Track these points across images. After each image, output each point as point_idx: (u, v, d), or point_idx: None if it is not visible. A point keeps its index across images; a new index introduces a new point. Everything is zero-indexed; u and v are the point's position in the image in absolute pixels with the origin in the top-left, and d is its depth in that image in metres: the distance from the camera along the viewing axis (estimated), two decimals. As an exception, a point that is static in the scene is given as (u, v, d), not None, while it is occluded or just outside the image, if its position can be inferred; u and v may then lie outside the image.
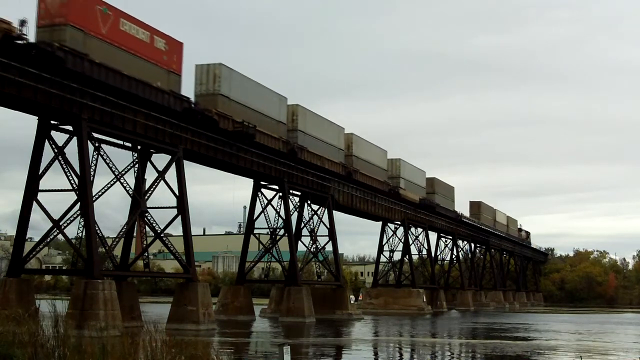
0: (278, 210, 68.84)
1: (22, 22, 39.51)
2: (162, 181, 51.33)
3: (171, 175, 51.76)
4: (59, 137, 45.51)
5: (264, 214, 68.45)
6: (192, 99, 53.94)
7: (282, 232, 69.25)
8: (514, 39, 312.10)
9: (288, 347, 19.40)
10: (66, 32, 41.71)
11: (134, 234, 54.55)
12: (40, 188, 45.38)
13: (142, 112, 47.84)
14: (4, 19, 38.45)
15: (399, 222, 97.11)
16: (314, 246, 74.67)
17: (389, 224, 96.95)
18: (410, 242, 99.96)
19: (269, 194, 68.98)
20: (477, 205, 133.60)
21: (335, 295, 74.79)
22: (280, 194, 67.80)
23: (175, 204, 51.99)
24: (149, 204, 51.13)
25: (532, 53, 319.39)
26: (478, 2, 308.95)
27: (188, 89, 53.92)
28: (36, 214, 56.00)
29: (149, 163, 52.05)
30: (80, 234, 45.84)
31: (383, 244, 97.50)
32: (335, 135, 75.61)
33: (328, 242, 76.53)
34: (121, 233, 50.36)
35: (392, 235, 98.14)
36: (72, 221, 45.40)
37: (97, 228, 45.32)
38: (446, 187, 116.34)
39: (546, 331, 60.03)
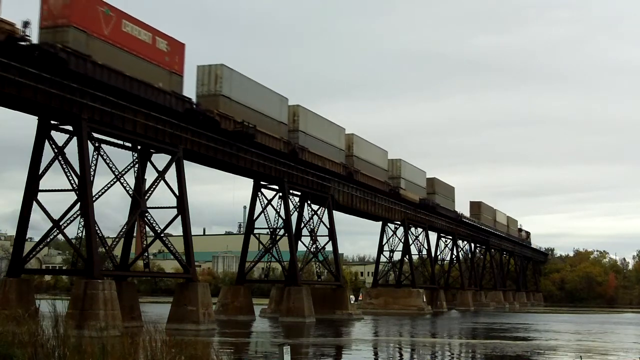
0: (278, 210, 68.89)
1: (26, 24, 39.64)
2: (162, 181, 51.34)
3: (171, 175, 51.85)
4: (59, 137, 45.61)
5: (264, 214, 68.50)
6: (194, 99, 54.06)
7: (282, 232, 69.26)
8: (514, 39, 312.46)
9: (288, 347, 19.40)
10: (69, 33, 41.86)
11: (134, 234, 54.56)
12: (40, 188, 45.39)
13: (142, 112, 47.87)
14: (7, 20, 38.54)
15: (399, 222, 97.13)
16: (314, 246, 74.69)
17: (389, 224, 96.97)
18: (410, 242, 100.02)
19: (269, 194, 69.13)
20: (477, 205, 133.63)
21: (335, 295, 74.81)
22: (280, 194, 67.82)
23: (175, 204, 52.00)
24: (149, 204, 51.16)
25: (532, 53, 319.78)
26: (478, 2, 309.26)
27: (189, 90, 54.09)
28: (36, 214, 56.07)
29: (149, 163, 52.06)
30: (80, 234, 45.84)
31: (383, 244, 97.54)
32: (336, 136, 75.70)
33: (328, 242, 76.58)
34: (121, 233, 50.37)
35: (392, 235, 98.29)
36: (72, 221, 45.42)
37: (97, 228, 45.33)
38: (446, 188, 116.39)
39: (546, 331, 60.03)
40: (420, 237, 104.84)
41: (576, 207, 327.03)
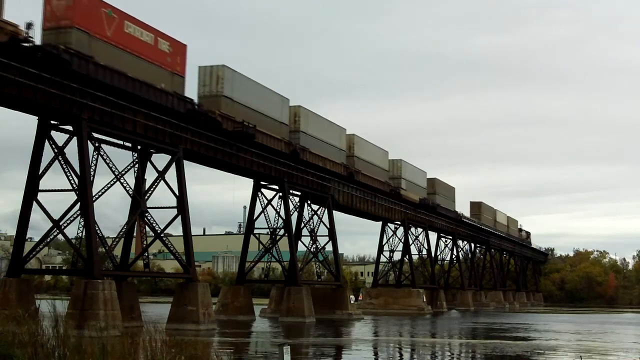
0: (278, 210, 68.89)
1: (29, 25, 39.76)
2: (162, 181, 51.35)
3: (171, 175, 51.86)
4: (59, 137, 45.62)
5: (264, 214, 68.50)
6: (195, 100, 54.18)
7: (282, 232, 69.27)
8: (514, 39, 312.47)
9: (288, 347, 19.39)
10: (72, 34, 42.01)
11: (134, 234, 54.56)
12: (40, 188, 45.40)
13: (142, 112, 47.89)
14: (10, 21, 38.66)
15: (399, 222, 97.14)
16: (314, 246, 74.70)
17: (389, 224, 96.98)
18: (410, 242, 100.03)
19: (269, 194, 69.14)
20: (477, 205, 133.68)
21: (335, 295, 74.82)
22: (280, 194, 67.83)
23: (175, 204, 52.01)
24: (149, 204, 51.17)
25: (532, 53, 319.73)
26: (478, 2, 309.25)
27: (191, 90, 54.20)
28: (36, 214, 56.02)
29: (149, 163, 52.08)
30: (80, 234, 45.84)
31: (383, 244, 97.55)
32: (337, 136, 75.85)
33: (328, 242, 76.59)
34: (121, 233, 50.37)
35: (392, 235, 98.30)
36: (72, 221, 45.42)
37: (97, 228, 45.33)
38: (447, 188, 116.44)
39: (546, 331, 60.04)
40: (420, 237, 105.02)
41: (576, 207, 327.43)
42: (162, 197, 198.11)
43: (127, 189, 49.14)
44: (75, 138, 44.54)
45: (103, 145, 47.66)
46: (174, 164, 51.50)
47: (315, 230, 74.24)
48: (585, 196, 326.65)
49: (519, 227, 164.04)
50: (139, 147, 51.12)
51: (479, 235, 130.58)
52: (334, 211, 76.45)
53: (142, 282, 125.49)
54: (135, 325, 44.72)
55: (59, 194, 45.93)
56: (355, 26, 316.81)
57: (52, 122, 45.07)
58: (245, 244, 69.50)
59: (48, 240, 48.43)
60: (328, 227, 75.43)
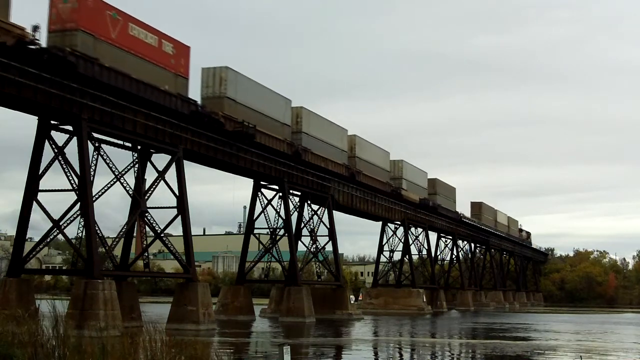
0: (278, 210, 68.90)
1: (35, 28, 40.04)
2: (162, 181, 51.36)
3: (171, 175, 51.87)
4: (59, 137, 45.63)
5: (264, 214, 68.52)
6: (198, 101, 54.39)
7: (282, 232, 69.27)
8: (514, 39, 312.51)
9: (288, 347, 19.41)
10: (77, 37, 42.29)
11: (134, 234, 54.56)
12: (40, 188, 45.41)
13: (142, 112, 47.93)
14: (17, 24, 38.85)
15: (399, 222, 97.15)
16: (314, 246, 74.70)
17: (389, 224, 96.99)
18: (410, 242, 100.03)
19: (269, 194, 69.16)
20: (478, 205, 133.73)
21: (335, 295, 74.82)
22: (280, 194, 67.84)
23: (175, 204, 52.01)
24: (149, 204, 51.17)
25: (532, 53, 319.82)
26: (478, 2, 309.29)
27: (193, 92, 54.37)
28: (36, 214, 56.06)
29: (149, 163, 52.10)
30: (80, 234, 45.84)
31: (383, 244, 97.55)
32: (338, 137, 76.05)
33: (328, 242, 76.60)
34: (121, 233, 50.37)
35: (392, 235, 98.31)
36: (72, 221, 45.42)
37: (97, 228, 45.33)
38: (448, 188, 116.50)
39: (546, 331, 60.04)
40: (420, 237, 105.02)
41: (576, 207, 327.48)
42: (162, 197, 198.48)
43: (127, 189, 49.14)
44: (75, 138, 44.56)
45: (103, 145, 47.71)
46: (174, 164, 51.51)
47: (315, 230, 74.27)
48: (585, 196, 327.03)
49: (519, 227, 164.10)
50: (139, 147, 51.14)
51: (479, 235, 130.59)
52: (334, 211, 76.47)
53: (142, 282, 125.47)
54: (135, 325, 44.62)
55: (59, 194, 45.99)
56: (355, 26, 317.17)
57: (52, 122, 45.10)
58: (245, 244, 69.50)
59: (48, 240, 48.43)
60: (328, 227, 75.44)
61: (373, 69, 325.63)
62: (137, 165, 51.05)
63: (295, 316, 64.52)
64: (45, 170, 45.43)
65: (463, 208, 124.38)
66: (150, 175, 52.41)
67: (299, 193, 73.53)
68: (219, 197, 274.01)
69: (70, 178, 44.83)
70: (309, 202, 74.75)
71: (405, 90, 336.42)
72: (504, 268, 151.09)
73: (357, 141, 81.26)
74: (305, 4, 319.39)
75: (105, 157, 47.16)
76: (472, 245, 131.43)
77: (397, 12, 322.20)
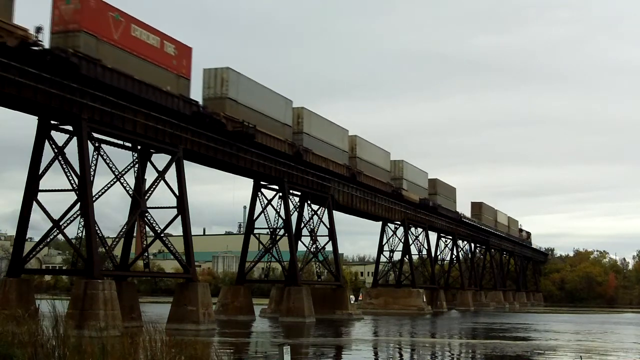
0: (278, 210, 68.91)
1: (38, 29, 40.13)
2: (162, 181, 51.36)
3: (171, 175, 51.87)
4: (59, 137, 45.62)
5: (264, 214, 68.52)
6: (200, 101, 54.52)
7: (282, 232, 69.28)
8: (514, 39, 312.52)
9: (288, 347, 19.40)
10: (80, 38, 42.39)
11: (134, 234, 54.56)
12: (40, 188, 45.40)
13: (142, 112, 47.95)
14: (21, 26, 38.97)
15: (399, 222, 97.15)
16: (314, 246, 74.71)
17: (389, 224, 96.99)
18: (410, 242, 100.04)
19: (269, 194, 69.17)
20: (478, 206, 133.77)
21: (335, 295, 74.83)
22: (280, 194, 67.85)
23: (175, 204, 52.02)
24: (149, 204, 51.17)
25: (532, 53, 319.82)
26: (478, 2, 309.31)
27: (194, 92, 54.48)
28: (36, 214, 56.05)
29: (149, 163, 52.11)
30: (80, 234, 45.83)
31: (383, 244, 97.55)
32: (339, 138, 76.21)
33: (328, 242, 76.60)
34: (121, 233, 50.37)
35: (392, 235, 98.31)
36: (72, 221, 45.41)
37: (97, 228, 45.33)
38: (448, 188, 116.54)
39: (546, 331, 60.05)
40: (420, 237, 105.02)
41: (576, 207, 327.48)
42: (162, 197, 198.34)
43: (127, 189, 49.14)
44: (75, 138, 44.56)
45: (103, 145, 47.71)
46: (174, 164, 51.52)
47: (315, 230, 74.27)
48: (585, 196, 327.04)
49: (519, 227, 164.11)
50: (139, 147, 51.15)
51: (479, 235, 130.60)
52: (334, 211, 76.49)
53: (142, 282, 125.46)
54: (135, 325, 44.63)
55: (59, 194, 45.98)
56: (355, 26, 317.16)
57: (52, 122, 45.10)
58: (245, 244, 69.50)
59: (48, 240, 48.42)
60: (328, 227, 75.45)
61: (373, 69, 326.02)
62: (137, 165, 51.05)
63: (295, 316, 64.53)
64: (45, 170, 45.43)
65: (463, 208, 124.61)
66: (150, 175, 52.51)
67: (299, 193, 73.54)
68: (219, 197, 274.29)
69: (70, 178, 44.83)
70: (309, 202, 74.77)
71: (405, 90, 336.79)
72: (504, 268, 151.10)
73: (358, 142, 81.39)
74: (305, 4, 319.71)
75: (105, 157, 47.18)
76: (472, 245, 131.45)
77: (397, 12, 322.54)
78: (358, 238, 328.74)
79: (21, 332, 17.46)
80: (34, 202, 45.25)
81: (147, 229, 52.93)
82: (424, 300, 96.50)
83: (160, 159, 52.84)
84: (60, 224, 45.15)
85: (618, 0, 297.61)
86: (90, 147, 45.20)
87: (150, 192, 51.08)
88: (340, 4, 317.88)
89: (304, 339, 47.32)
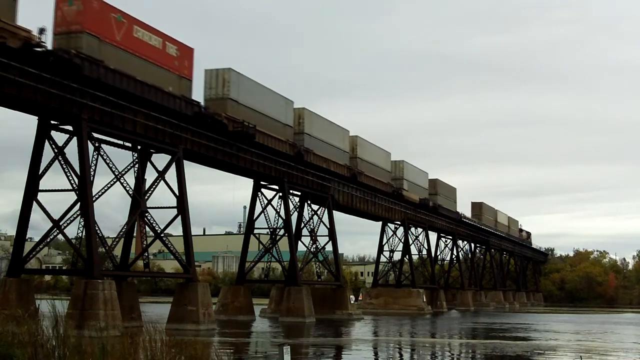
0: (278, 210, 68.91)
1: (41, 30, 40.28)
2: (162, 181, 51.36)
3: (171, 175, 51.87)
4: (59, 137, 45.62)
5: (264, 214, 68.53)
6: (201, 102, 54.63)
7: (282, 232, 69.28)
8: (514, 39, 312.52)
9: (288, 347, 19.39)
10: (82, 39, 42.48)
11: (134, 234, 54.56)
12: (40, 188, 45.40)
13: (142, 112, 47.97)
14: (24, 27, 39.07)
15: (399, 222, 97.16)
16: (314, 246, 74.71)
17: (389, 224, 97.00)
18: (410, 242, 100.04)
19: (269, 194, 69.17)
20: (478, 206, 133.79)
21: (335, 295, 74.83)
22: (280, 194, 67.85)
23: (175, 204, 52.02)
24: (149, 204, 51.17)
25: (532, 53, 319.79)
26: (478, 2, 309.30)
27: (196, 93, 54.53)
28: (36, 214, 56.00)
29: (149, 163, 52.12)
30: (80, 234, 45.83)
31: (383, 244, 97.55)
32: (340, 138, 76.31)
33: (328, 242, 76.60)
34: (121, 233, 50.37)
35: (392, 235, 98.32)
36: (72, 221, 45.41)
37: (97, 228, 45.33)
38: (448, 189, 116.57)
39: (546, 331, 60.05)
40: (420, 237, 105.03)
41: (576, 207, 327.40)
42: (162, 197, 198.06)
43: (127, 189, 49.14)
44: (75, 138, 44.56)
45: (103, 145, 47.72)
46: (174, 164, 51.53)
47: (315, 230, 74.28)
48: (585, 196, 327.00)
49: (519, 227, 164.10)
50: (139, 147, 51.16)
51: (479, 235, 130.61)
52: (334, 211, 76.50)
53: (142, 282, 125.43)
54: (135, 325, 44.63)
55: (59, 194, 45.97)
56: (355, 26, 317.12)
57: (52, 122, 45.11)
58: (245, 244, 69.50)
59: (48, 240, 48.43)
60: (328, 227, 75.46)
61: (373, 69, 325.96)
62: (137, 165, 51.06)
63: (295, 316, 64.53)
64: (45, 170, 45.43)
65: (464, 208, 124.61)
66: (150, 175, 52.52)
67: (299, 193, 73.55)
68: (219, 197, 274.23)
69: (70, 178, 44.83)
70: (309, 202, 74.77)
71: (405, 90, 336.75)
72: (504, 268, 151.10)
73: (359, 142, 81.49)
74: (305, 4, 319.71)
75: (105, 157, 47.18)
76: (472, 245, 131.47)
77: (397, 12, 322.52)
78: (358, 238, 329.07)
79: (21, 332, 17.45)
80: (34, 202, 45.25)
81: (147, 229, 52.93)
82: (424, 300, 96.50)
83: (160, 159, 52.94)
84: (60, 224, 45.16)
85: (618, 0, 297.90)
86: (90, 147, 45.22)
87: (150, 192, 51.09)
88: (340, 4, 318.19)
89: (304, 339, 47.32)
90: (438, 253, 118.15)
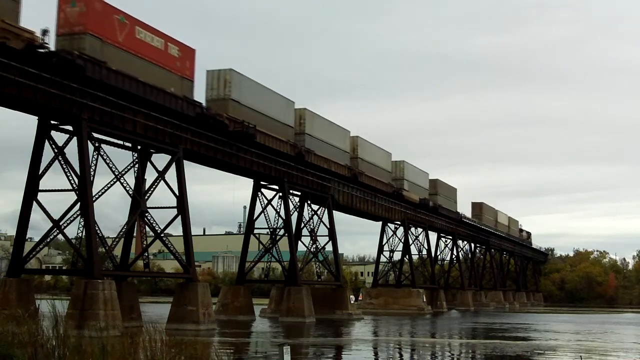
0: (278, 210, 68.91)
1: (44, 32, 40.36)
2: (162, 181, 51.36)
3: (171, 175, 51.87)
4: (59, 137, 45.62)
5: (264, 214, 68.53)
6: (203, 103, 54.67)
7: (282, 232, 69.28)
8: (514, 39, 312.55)
9: (288, 347, 19.38)
10: (85, 40, 42.61)
11: (134, 234, 54.56)
12: (40, 188, 45.40)
13: (142, 112, 47.97)
14: (27, 28, 39.13)
15: (399, 222, 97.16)
16: (314, 246, 74.70)
17: (389, 224, 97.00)
18: (410, 242, 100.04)
19: (269, 194, 69.18)
20: (478, 206, 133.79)
21: (335, 295, 74.83)
22: (280, 194, 67.85)
23: (175, 204, 52.02)
24: (149, 204, 51.17)
25: (532, 53, 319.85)
26: (478, 2, 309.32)
27: (197, 94, 54.58)
28: (36, 214, 56.05)
29: (149, 163, 52.12)
30: (80, 234, 45.83)
31: (383, 244, 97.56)
32: (341, 138, 76.38)
33: (328, 242, 76.60)
34: (121, 233, 50.37)
35: (392, 235, 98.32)
36: (72, 221, 45.41)
37: (97, 228, 45.33)
38: (449, 189, 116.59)
39: (546, 331, 60.05)
40: (420, 237, 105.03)
41: (576, 207, 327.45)
42: (162, 197, 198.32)
43: (127, 189, 49.14)
44: (75, 138, 44.57)
45: (103, 145, 47.72)
46: (174, 164, 51.53)
47: (315, 230, 74.28)
48: (585, 196, 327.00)
49: (519, 227, 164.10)
50: (139, 147, 51.17)
51: (479, 235, 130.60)
52: (334, 211, 76.50)
53: (142, 282, 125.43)
54: (135, 325, 44.71)
55: (59, 194, 45.97)
56: (355, 26, 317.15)
57: (52, 122, 45.12)
58: (245, 244, 69.51)
59: (48, 240, 48.42)
60: (328, 227, 75.46)
61: (373, 69, 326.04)
62: (137, 165, 51.06)
63: (295, 316, 64.53)
64: (45, 170, 45.43)
65: (464, 208, 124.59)
66: (150, 175, 52.52)
67: (299, 193, 73.55)
68: (219, 197, 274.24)
69: (70, 178, 44.83)
70: (309, 202, 74.77)
71: (405, 90, 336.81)
72: (504, 268, 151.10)
73: (360, 142, 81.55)
74: (305, 4, 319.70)
75: (105, 157, 47.18)
76: (472, 245, 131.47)
77: (397, 12, 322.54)
78: (358, 238, 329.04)
79: (21, 332, 17.45)
80: (34, 202, 45.25)
81: (147, 229, 52.93)
82: (424, 300, 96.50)
83: (160, 159, 52.95)
84: (60, 224, 45.15)
85: (618, 0, 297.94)
86: (90, 147, 45.22)
87: (150, 192, 51.09)
88: (340, 4, 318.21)
89: (304, 339, 47.32)
90: (438, 253, 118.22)
